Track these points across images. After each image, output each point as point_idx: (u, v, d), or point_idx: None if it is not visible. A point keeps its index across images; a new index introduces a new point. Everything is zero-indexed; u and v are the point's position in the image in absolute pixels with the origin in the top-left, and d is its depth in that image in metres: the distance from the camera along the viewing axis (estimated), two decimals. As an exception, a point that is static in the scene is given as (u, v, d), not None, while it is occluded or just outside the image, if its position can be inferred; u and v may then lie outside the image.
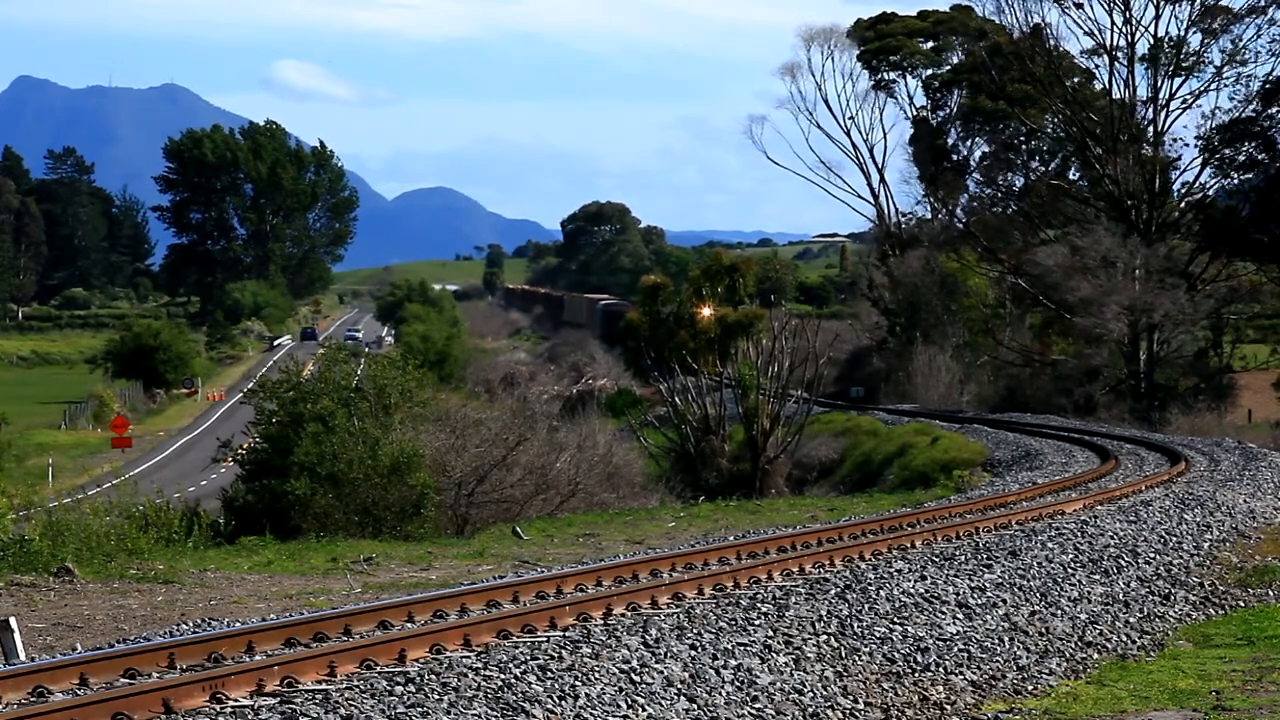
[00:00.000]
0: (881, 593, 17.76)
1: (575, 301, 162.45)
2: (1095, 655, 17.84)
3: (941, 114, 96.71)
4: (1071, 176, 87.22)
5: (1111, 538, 23.57)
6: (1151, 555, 23.13)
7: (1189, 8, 76.72)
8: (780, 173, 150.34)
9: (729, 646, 14.81)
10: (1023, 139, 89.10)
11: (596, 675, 13.34)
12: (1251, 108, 76.93)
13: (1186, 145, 79.11)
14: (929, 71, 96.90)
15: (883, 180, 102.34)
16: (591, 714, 12.61)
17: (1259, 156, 76.81)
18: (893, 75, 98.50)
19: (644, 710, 12.96)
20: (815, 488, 56.04)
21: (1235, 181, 78.98)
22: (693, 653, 14.43)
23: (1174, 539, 24.68)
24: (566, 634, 14.67)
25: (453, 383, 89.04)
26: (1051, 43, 79.81)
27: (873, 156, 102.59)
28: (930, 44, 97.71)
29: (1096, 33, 78.51)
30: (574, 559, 25.76)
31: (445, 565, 26.62)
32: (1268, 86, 76.50)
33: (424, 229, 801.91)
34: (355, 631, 14.67)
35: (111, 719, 11.22)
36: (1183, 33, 77.11)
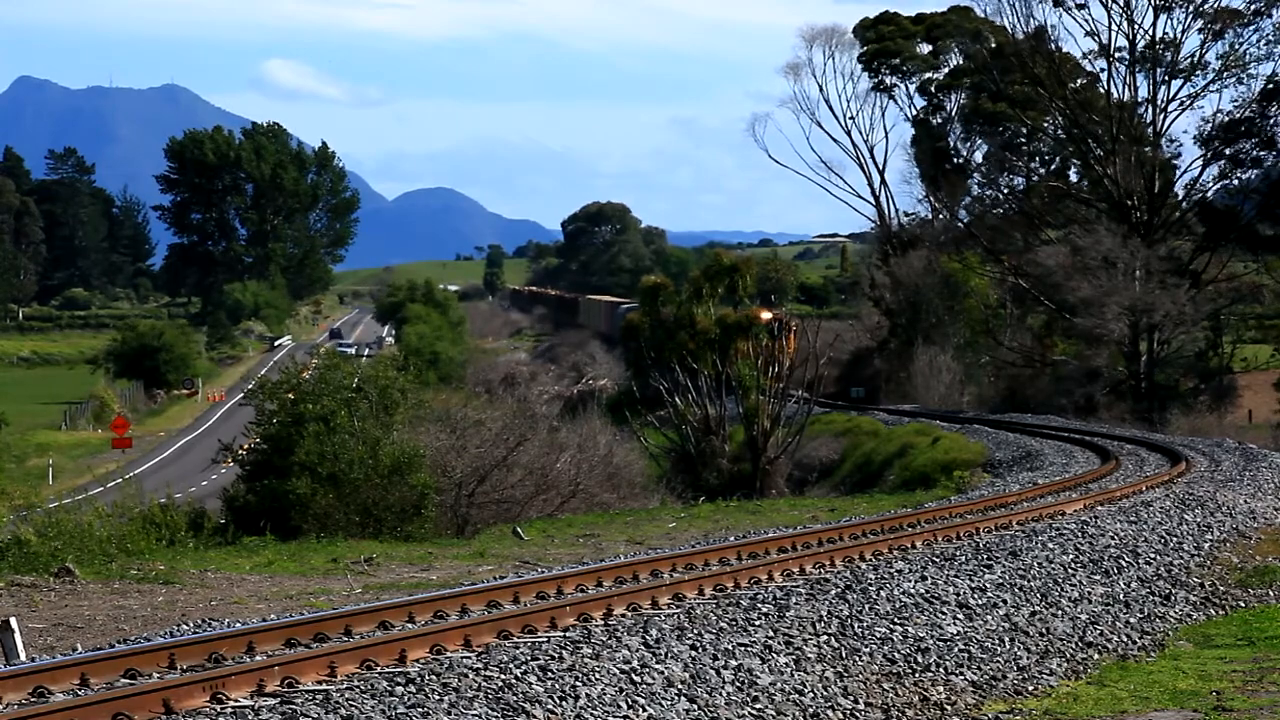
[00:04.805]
0: (882, 593, 17.76)
1: (591, 305, 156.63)
2: (1096, 655, 17.84)
3: (941, 115, 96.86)
4: (1072, 177, 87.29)
5: (1112, 538, 23.58)
6: (1152, 556, 23.13)
7: (1187, 10, 76.71)
8: (776, 173, 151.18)
9: (729, 647, 14.81)
10: (1023, 140, 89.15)
11: (597, 675, 13.34)
12: (1252, 108, 76.98)
13: (1183, 146, 79.36)
14: (927, 75, 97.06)
15: (883, 180, 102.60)
16: (592, 714, 12.61)
17: (1260, 155, 76.93)
18: (892, 79, 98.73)
19: (644, 711, 12.96)
20: (816, 488, 56.01)
21: (1236, 182, 79.10)
22: (693, 653, 14.43)
23: (1174, 539, 24.68)
24: (567, 634, 14.67)
25: (451, 383, 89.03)
26: (1053, 45, 79.89)
27: (873, 157, 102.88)
28: (928, 47, 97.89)
29: (1096, 34, 78.66)
30: (574, 559, 25.77)
31: (445, 566, 26.62)
32: (1269, 86, 76.58)
33: (424, 229, 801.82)
34: (356, 632, 14.67)
35: (112, 719, 11.23)
36: (1179, 35, 77.22)
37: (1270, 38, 77.09)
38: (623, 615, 15.86)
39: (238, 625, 15.56)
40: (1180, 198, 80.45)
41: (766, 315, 61.36)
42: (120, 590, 22.89)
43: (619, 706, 12.87)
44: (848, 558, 20.17)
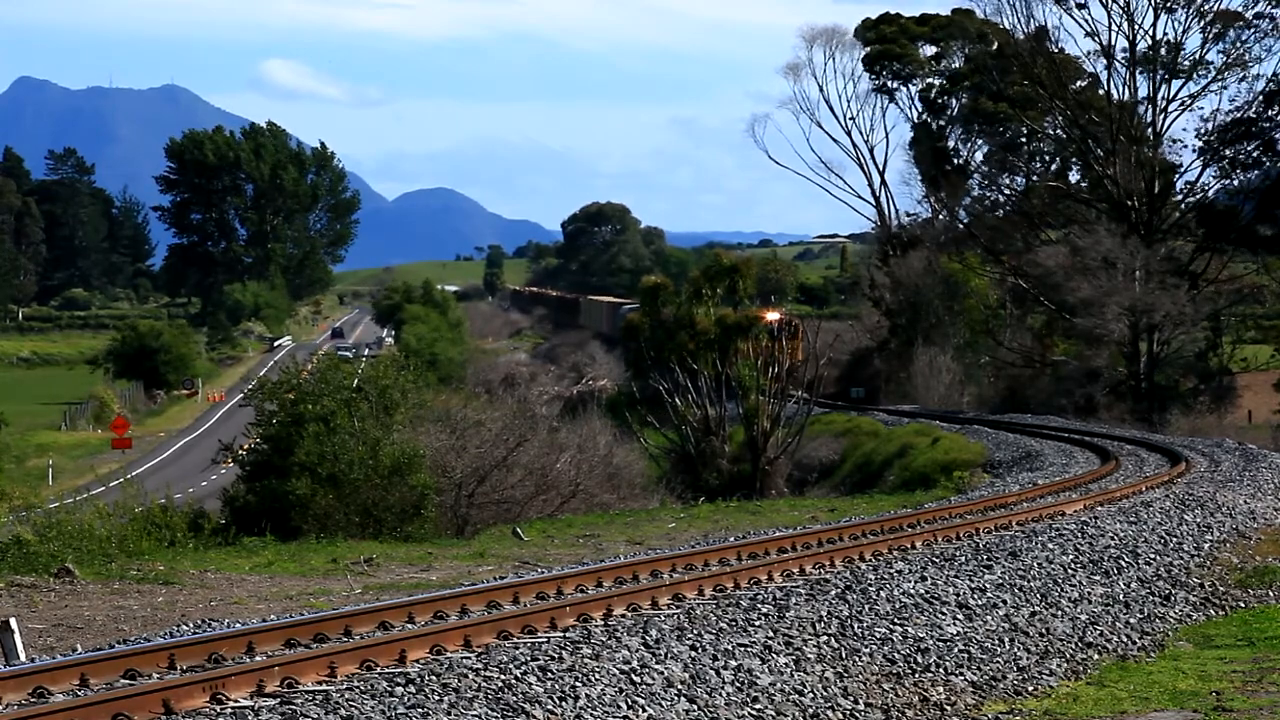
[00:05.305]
0: (882, 593, 17.76)
1: (591, 305, 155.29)
2: (1095, 656, 17.84)
3: (942, 117, 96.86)
4: (1072, 178, 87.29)
5: (1112, 538, 23.58)
6: (1152, 556, 23.13)
7: (1188, 11, 76.73)
8: (775, 173, 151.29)
9: (729, 647, 14.81)
10: (1024, 140, 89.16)
11: (597, 676, 13.34)
12: (1253, 109, 77.04)
13: (1185, 146, 79.34)
14: (929, 81, 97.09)
15: (883, 181, 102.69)
16: (592, 715, 12.61)
17: (1260, 157, 76.95)
18: (894, 83, 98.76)
19: (644, 711, 12.96)
20: (816, 489, 56.00)
21: (1235, 182, 79.12)
22: (693, 653, 14.43)
23: (1174, 540, 24.68)
24: (567, 635, 14.67)
25: (451, 384, 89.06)
26: (1053, 45, 79.91)
27: (873, 157, 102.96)
28: (930, 49, 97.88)
29: (1096, 35, 78.67)
30: (574, 560, 25.77)
31: (445, 566, 26.62)
32: (1270, 87, 76.63)
33: (424, 229, 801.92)
34: (355, 632, 14.67)
35: (112, 719, 11.23)
36: (1179, 36, 77.25)
37: (1270, 38, 77.18)
38: (623, 615, 15.86)
39: (238, 625, 15.56)
40: (1180, 198, 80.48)
41: (773, 316, 61.31)
42: (120, 590, 22.89)
43: (619, 707, 12.87)
44: (848, 558, 20.17)
